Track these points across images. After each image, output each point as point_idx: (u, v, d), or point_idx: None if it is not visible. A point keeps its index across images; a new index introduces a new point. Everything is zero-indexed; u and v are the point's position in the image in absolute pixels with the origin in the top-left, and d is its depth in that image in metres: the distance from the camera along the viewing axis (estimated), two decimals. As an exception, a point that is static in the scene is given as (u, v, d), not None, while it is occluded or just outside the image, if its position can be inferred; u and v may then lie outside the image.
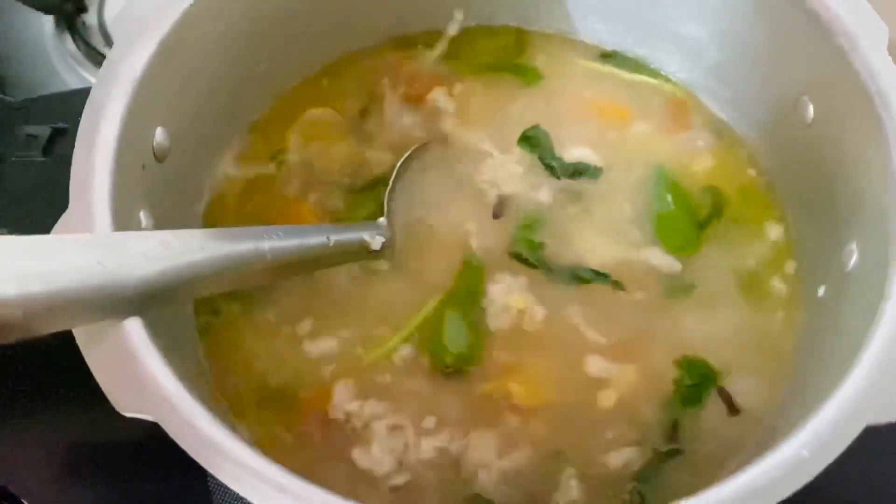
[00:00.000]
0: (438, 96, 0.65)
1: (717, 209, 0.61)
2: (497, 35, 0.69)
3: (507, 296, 0.57)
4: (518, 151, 0.63)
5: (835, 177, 0.53)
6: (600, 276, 0.58)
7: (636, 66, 0.67)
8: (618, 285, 0.58)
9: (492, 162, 0.63)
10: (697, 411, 0.54)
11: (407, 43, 0.68)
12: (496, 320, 0.56)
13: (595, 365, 0.55)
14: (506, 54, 0.68)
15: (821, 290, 0.54)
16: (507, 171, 0.62)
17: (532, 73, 0.67)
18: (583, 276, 0.58)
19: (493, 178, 0.62)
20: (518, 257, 0.58)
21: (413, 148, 0.62)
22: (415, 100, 0.65)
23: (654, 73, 0.67)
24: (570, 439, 0.52)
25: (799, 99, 0.56)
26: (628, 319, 0.57)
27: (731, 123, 0.65)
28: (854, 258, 0.50)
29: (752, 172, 0.63)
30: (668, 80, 0.67)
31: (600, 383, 0.54)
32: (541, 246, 0.59)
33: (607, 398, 0.54)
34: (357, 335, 0.56)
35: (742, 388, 0.55)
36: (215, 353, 0.55)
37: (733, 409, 0.54)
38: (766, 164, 0.63)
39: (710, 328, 0.57)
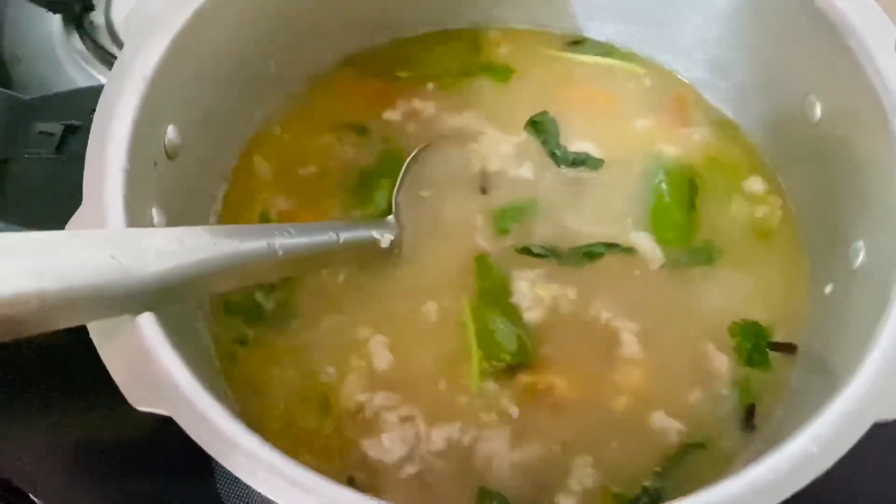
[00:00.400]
0: (423, 104, 0.66)
1: (692, 183, 0.61)
2: (455, 39, 0.69)
3: (534, 287, 0.57)
4: (521, 143, 0.63)
5: (841, 175, 0.53)
6: (611, 247, 0.58)
7: (607, 51, 0.68)
8: (630, 252, 0.58)
9: (491, 158, 0.63)
10: (766, 375, 0.54)
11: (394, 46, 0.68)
12: (530, 313, 0.56)
13: (632, 348, 0.55)
14: (469, 56, 0.68)
15: (828, 288, 0.54)
16: (501, 154, 0.63)
17: (503, 71, 0.67)
18: (595, 252, 0.58)
19: (489, 167, 0.62)
20: (526, 251, 0.59)
21: (418, 148, 0.62)
22: (404, 106, 0.66)
23: (630, 57, 0.68)
24: (603, 430, 0.53)
25: (806, 97, 0.56)
26: (656, 298, 0.57)
27: (736, 120, 0.65)
28: (861, 256, 0.50)
29: (755, 170, 0.63)
30: (672, 76, 0.67)
31: (635, 369, 0.55)
32: (509, 232, 0.59)
33: (635, 393, 0.54)
34: (423, 360, 0.55)
35: (786, 336, 0.56)
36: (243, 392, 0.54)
37: (790, 349, 0.55)
38: (771, 162, 0.63)
39: (738, 288, 0.57)
